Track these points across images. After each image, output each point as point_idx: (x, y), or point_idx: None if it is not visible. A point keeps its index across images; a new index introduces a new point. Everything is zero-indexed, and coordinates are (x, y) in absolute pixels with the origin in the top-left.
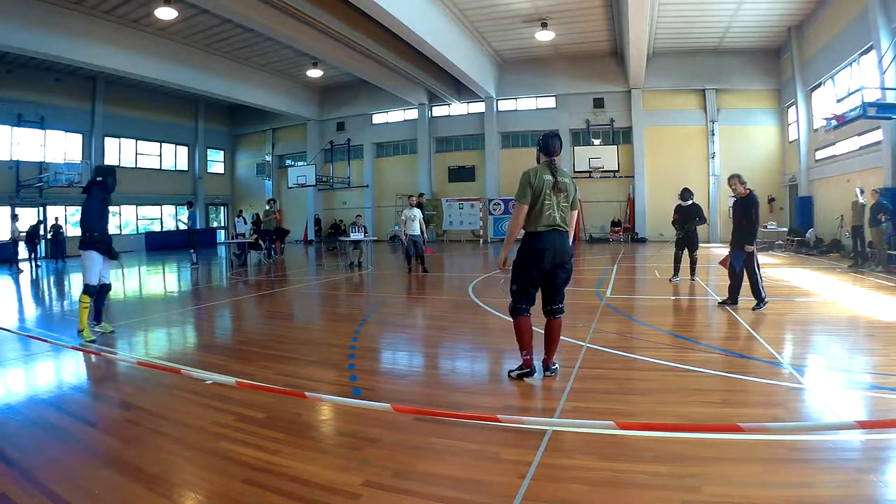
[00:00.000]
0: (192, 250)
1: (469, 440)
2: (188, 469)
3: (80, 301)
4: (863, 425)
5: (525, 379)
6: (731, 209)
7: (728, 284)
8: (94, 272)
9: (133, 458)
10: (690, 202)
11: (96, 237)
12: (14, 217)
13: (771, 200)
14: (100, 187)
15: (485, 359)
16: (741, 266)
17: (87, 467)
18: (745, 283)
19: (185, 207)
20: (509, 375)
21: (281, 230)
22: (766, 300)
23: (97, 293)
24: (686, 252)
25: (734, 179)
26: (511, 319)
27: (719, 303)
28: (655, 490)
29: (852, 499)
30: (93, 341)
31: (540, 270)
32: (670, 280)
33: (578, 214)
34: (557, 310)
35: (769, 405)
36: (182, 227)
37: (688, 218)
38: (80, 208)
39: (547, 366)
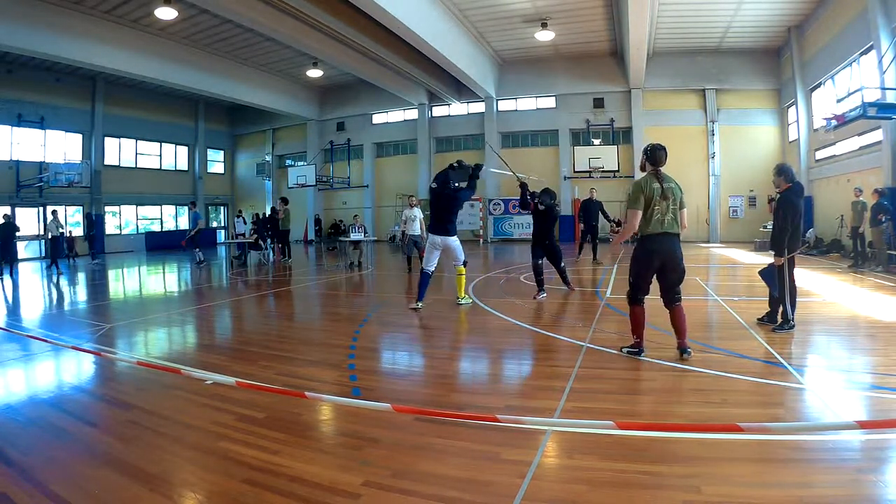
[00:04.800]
0: (196, 249)
1: (469, 440)
2: (188, 469)
3: (460, 273)
4: (863, 425)
5: (634, 356)
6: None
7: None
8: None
9: (133, 458)
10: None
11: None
12: (54, 213)
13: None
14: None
15: (485, 359)
16: (769, 281)
17: (87, 467)
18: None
19: (189, 208)
20: (621, 350)
21: (284, 231)
22: (793, 324)
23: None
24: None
25: (773, 171)
26: (628, 307)
27: (758, 319)
28: (655, 490)
29: (852, 499)
30: (468, 302)
31: (650, 269)
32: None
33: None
34: (674, 299)
35: (769, 405)
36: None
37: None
38: (79, 209)
39: (683, 348)
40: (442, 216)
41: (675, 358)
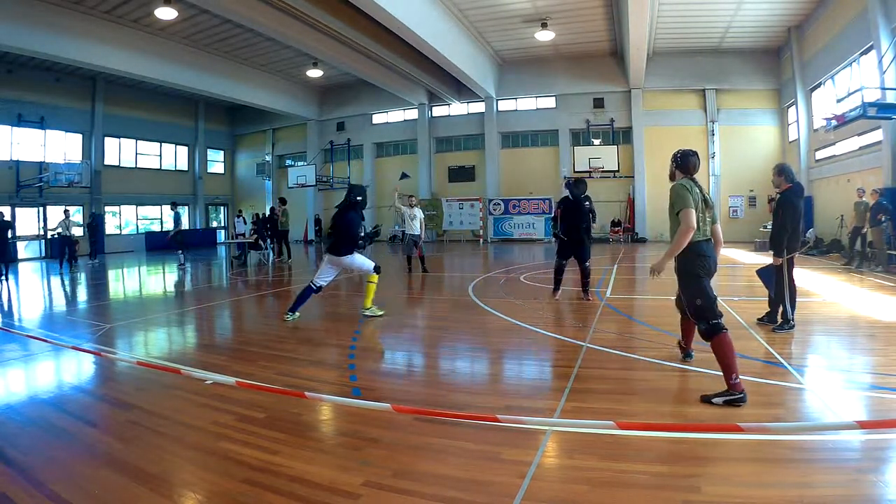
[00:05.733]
0: (179, 251)
1: (469, 440)
2: (188, 469)
3: (370, 282)
4: (863, 425)
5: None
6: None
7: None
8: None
9: (133, 458)
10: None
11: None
12: (66, 212)
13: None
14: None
15: (485, 359)
16: (767, 281)
17: (87, 467)
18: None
19: (170, 208)
20: (710, 402)
21: (283, 231)
22: (793, 324)
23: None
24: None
25: (773, 171)
26: (710, 340)
27: (758, 320)
28: (655, 490)
29: (852, 499)
30: (378, 314)
31: (709, 276)
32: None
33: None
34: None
35: (769, 405)
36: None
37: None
38: (79, 209)
39: (687, 352)
40: (336, 236)
41: (674, 358)
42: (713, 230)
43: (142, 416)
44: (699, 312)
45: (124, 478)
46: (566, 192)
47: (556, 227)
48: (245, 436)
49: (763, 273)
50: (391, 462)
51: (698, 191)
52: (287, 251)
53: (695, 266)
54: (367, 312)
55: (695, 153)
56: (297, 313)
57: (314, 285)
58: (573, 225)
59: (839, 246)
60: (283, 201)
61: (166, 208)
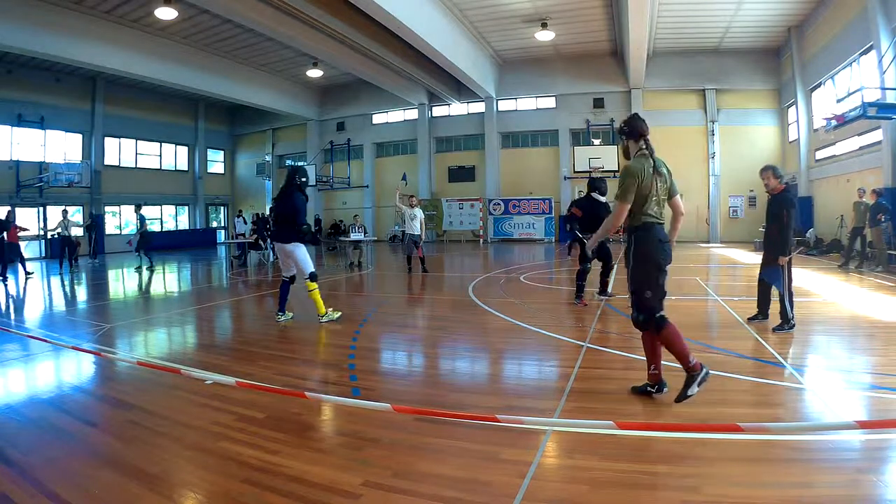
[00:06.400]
0: (138, 253)
1: (469, 440)
2: (188, 469)
3: (309, 289)
4: (863, 425)
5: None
6: (768, 208)
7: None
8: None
9: (133, 458)
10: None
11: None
12: (64, 213)
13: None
14: (302, 187)
15: (485, 359)
16: (776, 281)
17: (87, 467)
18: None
19: (134, 210)
20: (687, 396)
21: None
22: (793, 323)
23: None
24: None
25: (767, 172)
26: (655, 333)
27: (748, 319)
28: (655, 490)
29: (852, 499)
30: (336, 317)
31: (662, 268)
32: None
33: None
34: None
35: (769, 405)
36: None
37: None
38: (79, 209)
39: (660, 383)
40: (280, 223)
41: (673, 358)
42: (673, 203)
43: (142, 416)
44: (644, 303)
45: (124, 478)
46: (576, 192)
47: (574, 227)
48: (245, 436)
49: (771, 275)
50: (391, 462)
51: (650, 166)
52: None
53: (655, 253)
54: (324, 319)
55: (637, 114)
56: (290, 313)
57: (285, 277)
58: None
59: (839, 246)
60: None
61: (167, 208)
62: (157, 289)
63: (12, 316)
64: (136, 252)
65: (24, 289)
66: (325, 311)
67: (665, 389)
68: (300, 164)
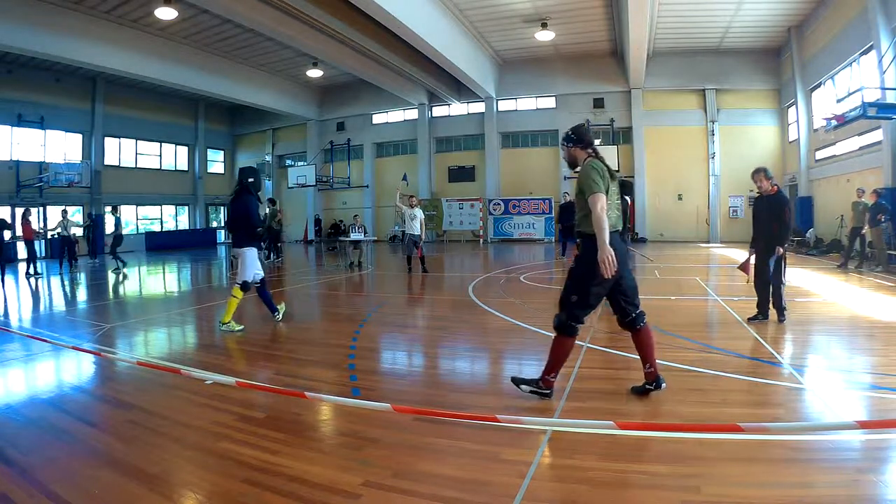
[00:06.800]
0: (114, 256)
1: (469, 440)
2: (188, 469)
3: (233, 295)
4: (863, 425)
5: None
6: (754, 208)
7: (757, 301)
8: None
9: (133, 458)
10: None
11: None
12: (63, 213)
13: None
14: (252, 188)
15: (485, 359)
16: (773, 272)
17: (87, 467)
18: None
19: (111, 212)
20: (518, 386)
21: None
22: (786, 312)
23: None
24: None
25: (760, 174)
26: (556, 334)
27: (749, 319)
28: (655, 490)
29: (852, 499)
30: (236, 330)
31: (607, 280)
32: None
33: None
34: (640, 315)
35: (769, 405)
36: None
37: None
38: (79, 209)
39: (657, 378)
40: (233, 226)
41: (674, 358)
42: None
43: (142, 416)
44: (568, 306)
45: (124, 478)
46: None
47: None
48: (245, 436)
49: (767, 271)
50: (391, 462)
51: (605, 170)
52: (277, 251)
53: (591, 263)
54: (224, 328)
55: (586, 122)
56: (282, 305)
57: (255, 283)
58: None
59: (839, 246)
60: (272, 202)
61: (167, 208)
62: (157, 289)
63: (13, 316)
64: (109, 254)
65: (34, 286)
66: (229, 319)
67: (663, 385)
68: (252, 164)
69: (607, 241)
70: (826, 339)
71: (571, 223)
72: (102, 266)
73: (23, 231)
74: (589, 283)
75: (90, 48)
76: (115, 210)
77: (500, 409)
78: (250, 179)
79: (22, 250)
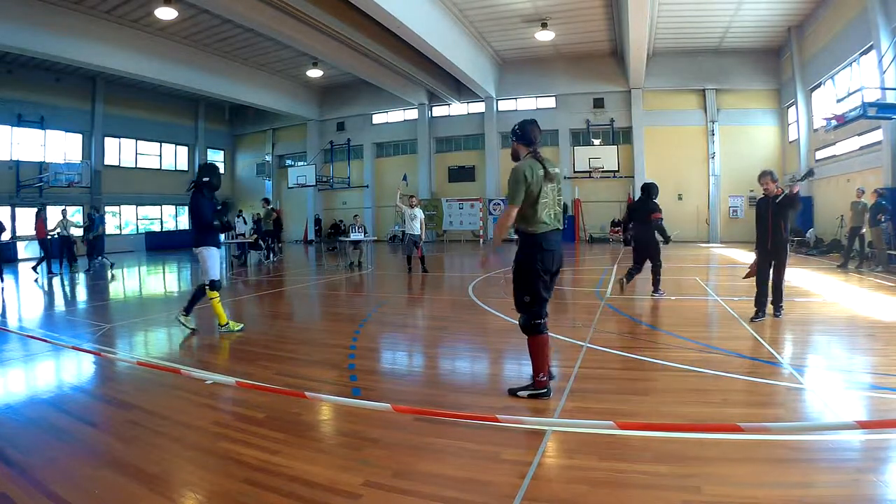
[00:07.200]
0: (97, 257)
1: (469, 440)
2: (188, 469)
3: (210, 297)
4: (863, 425)
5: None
6: (757, 209)
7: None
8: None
9: (133, 458)
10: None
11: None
12: (63, 213)
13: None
14: (208, 186)
15: (485, 359)
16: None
17: (87, 467)
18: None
19: (93, 212)
20: (516, 395)
21: (267, 231)
22: (783, 309)
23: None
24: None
25: (767, 177)
26: (527, 336)
27: (751, 319)
28: (655, 490)
29: (852, 499)
30: (236, 330)
31: (548, 273)
32: None
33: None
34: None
35: (769, 405)
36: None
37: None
38: (79, 209)
39: (549, 376)
40: (192, 226)
41: (674, 358)
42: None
43: (142, 416)
44: (525, 307)
45: (124, 478)
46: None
47: (626, 232)
48: (245, 436)
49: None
50: (391, 462)
51: (541, 172)
52: (270, 251)
53: (533, 260)
54: (223, 330)
55: (534, 121)
56: (231, 324)
57: (206, 282)
58: (643, 226)
59: (839, 246)
60: (266, 202)
61: (167, 208)
62: (157, 289)
63: (13, 316)
64: (91, 256)
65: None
66: (225, 320)
67: (553, 378)
68: (209, 161)
69: (497, 244)
70: (826, 339)
71: None
72: (102, 266)
73: (36, 230)
74: (532, 279)
75: (90, 48)
76: (96, 209)
77: (500, 409)
78: (205, 178)
79: (22, 250)
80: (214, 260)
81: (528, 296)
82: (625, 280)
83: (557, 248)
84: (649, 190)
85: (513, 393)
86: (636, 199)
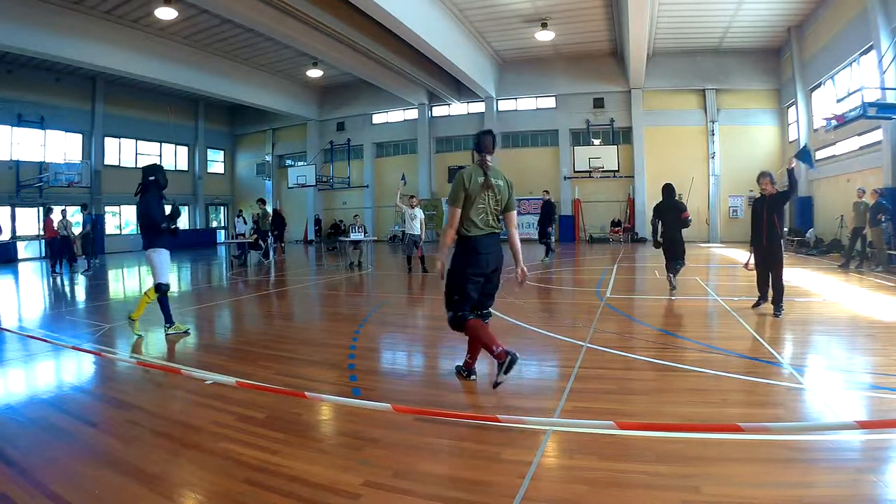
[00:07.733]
0: (84, 256)
1: (469, 440)
2: (188, 469)
3: (146, 294)
4: (863, 425)
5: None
6: (753, 207)
7: (757, 282)
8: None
9: (133, 458)
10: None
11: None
12: (63, 213)
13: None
14: (155, 185)
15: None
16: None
17: (87, 467)
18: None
19: (80, 210)
20: (499, 384)
21: (264, 231)
22: (783, 309)
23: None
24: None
25: (766, 178)
26: (458, 331)
27: (753, 306)
28: (655, 490)
29: (852, 499)
30: (138, 332)
31: (481, 275)
32: None
33: (513, 219)
34: (487, 314)
35: (769, 405)
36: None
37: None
38: (78, 209)
39: (470, 370)
40: (140, 226)
41: (674, 358)
42: (506, 217)
43: (142, 416)
44: (451, 304)
45: (124, 478)
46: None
47: (657, 235)
48: (245, 436)
49: (779, 262)
50: (391, 462)
51: (482, 178)
52: (268, 251)
53: (464, 263)
54: (130, 324)
55: (489, 132)
56: (181, 326)
57: (154, 283)
58: (674, 225)
59: (839, 246)
60: (262, 202)
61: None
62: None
63: (13, 316)
64: (81, 255)
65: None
66: (137, 317)
67: (473, 378)
68: (155, 162)
69: (444, 249)
70: (826, 339)
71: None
72: (102, 266)
73: (45, 230)
74: (463, 282)
75: (90, 48)
76: (84, 208)
77: (500, 409)
78: (151, 178)
79: (22, 250)
80: (165, 262)
81: (457, 295)
82: (672, 277)
83: (491, 250)
84: (672, 190)
85: (497, 385)
86: (660, 200)
